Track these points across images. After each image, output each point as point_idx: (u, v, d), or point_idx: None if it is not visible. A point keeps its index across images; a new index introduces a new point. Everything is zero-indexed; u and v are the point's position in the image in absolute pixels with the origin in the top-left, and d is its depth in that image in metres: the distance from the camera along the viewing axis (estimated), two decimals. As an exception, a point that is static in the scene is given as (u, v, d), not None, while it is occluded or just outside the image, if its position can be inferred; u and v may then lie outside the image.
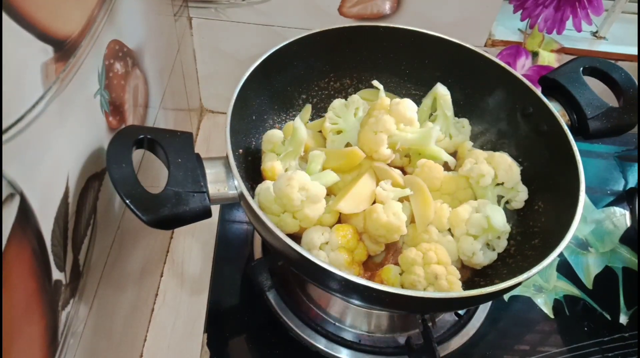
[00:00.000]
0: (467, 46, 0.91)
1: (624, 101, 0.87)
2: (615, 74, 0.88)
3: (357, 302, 0.69)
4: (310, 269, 0.64)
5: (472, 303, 0.85)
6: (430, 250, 0.72)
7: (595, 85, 0.87)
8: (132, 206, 0.59)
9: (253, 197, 0.71)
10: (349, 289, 0.64)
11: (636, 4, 1.21)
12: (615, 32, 1.19)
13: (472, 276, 0.82)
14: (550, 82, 0.89)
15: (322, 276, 0.64)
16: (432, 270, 0.70)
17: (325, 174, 0.79)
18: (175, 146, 0.67)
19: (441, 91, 0.90)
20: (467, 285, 0.79)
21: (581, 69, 0.89)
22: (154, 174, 0.84)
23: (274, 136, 0.85)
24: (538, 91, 0.85)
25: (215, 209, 1.06)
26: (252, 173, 0.85)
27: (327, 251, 0.75)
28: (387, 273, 0.74)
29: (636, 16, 1.23)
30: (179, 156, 0.66)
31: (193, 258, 1.04)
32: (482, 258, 0.76)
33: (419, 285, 0.70)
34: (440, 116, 0.91)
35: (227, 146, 0.70)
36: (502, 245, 0.80)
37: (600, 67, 0.90)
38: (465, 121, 0.95)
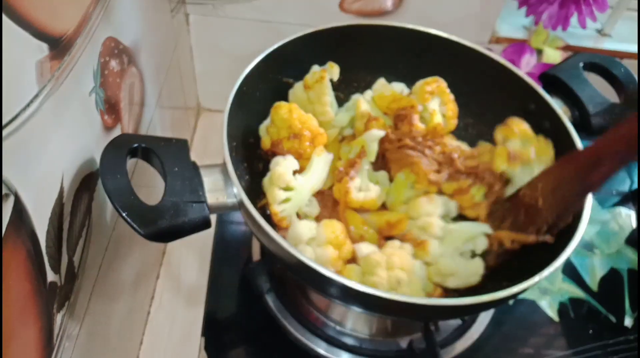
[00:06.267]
0: (465, 43, 0.90)
1: (625, 96, 0.86)
2: (616, 70, 0.88)
3: (358, 309, 0.68)
4: (312, 277, 0.63)
5: (477, 310, 0.84)
6: (395, 255, 0.71)
7: (594, 81, 0.87)
8: (128, 220, 0.58)
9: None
10: (349, 296, 0.63)
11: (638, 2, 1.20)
12: (620, 30, 1.19)
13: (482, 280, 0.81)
14: (551, 78, 0.88)
15: (324, 284, 0.63)
16: (395, 275, 0.69)
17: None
18: (170, 154, 0.66)
19: (375, 134, 0.83)
20: (473, 291, 0.78)
21: (581, 64, 0.88)
22: (150, 176, 0.84)
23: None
24: (540, 88, 0.84)
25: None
26: (250, 172, 0.84)
27: (314, 247, 0.73)
28: (350, 271, 0.72)
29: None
30: (175, 164, 0.65)
31: (190, 260, 1.03)
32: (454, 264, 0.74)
33: (381, 287, 0.68)
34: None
35: (224, 153, 0.69)
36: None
37: (600, 62, 0.89)
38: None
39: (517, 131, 0.78)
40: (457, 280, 0.72)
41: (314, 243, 0.72)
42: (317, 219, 0.79)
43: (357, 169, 0.79)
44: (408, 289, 0.68)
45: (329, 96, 0.86)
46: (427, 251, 0.73)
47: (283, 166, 0.75)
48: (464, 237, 0.74)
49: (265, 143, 0.84)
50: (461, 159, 0.80)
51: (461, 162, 0.80)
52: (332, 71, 0.84)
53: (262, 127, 0.85)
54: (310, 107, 0.86)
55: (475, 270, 0.73)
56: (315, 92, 0.85)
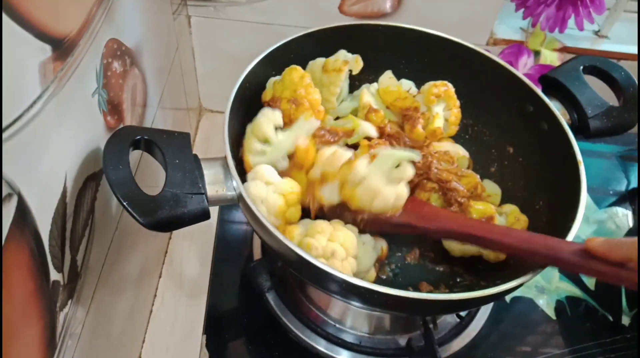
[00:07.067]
0: (466, 44, 0.91)
1: (624, 100, 0.86)
2: (615, 73, 0.88)
3: (357, 304, 0.68)
4: (311, 272, 0.63)
5: (474, 305, 0.85)
6: (341, 230, 0.71)
7: (594, 84, 0.87)
8: (129, 209, 0.59)
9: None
10: (349, 291, 0.63)
11: (637, 3, 1.20)
12: (618, 31, 1.19)
13: (476, 279, 0.82)
14: (551, 81, 0.88)
15: (322, 279, 0.63)
16: (333, 246, 0.69)
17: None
18: (172, 147, 0.67)
19: (370, 131, 0.85)
20: (469, 287, 0.79)
21: (581, 67, 0.88)
22: (152, 173, 0.84)
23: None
24: (538, 90, 0.85)
25: (214, 210, 1.05)
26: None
27: (269, 190, 0.73)
28: (292, 231, 0.72)
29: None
30: (177, 157, 0.66)
31: (192, 259, 1.03)
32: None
33: (314, 251, 0.68)
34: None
35: (225, 147, 0.70)
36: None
37: (600, 66, 0.89)
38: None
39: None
40: (382, 202, 0.71)
41: (271, 187, 0.73)
42: (281, 174, 0.77)
43: (336, 140, 0.80)
44: (340, 264, 0.68)
45: (340, 88, 0.87)
46: (353, 166, 0.71)
47: (266, 117, 0.76)
48: (392, 160, 0.71)
49: (267, 94, 0.84)
50: (436, 170, 0.81)
51: (434, 173, 0.81)
52: (356, 65, 0.85)
53: (271, 81, 0.85)
54: (319, 87, 0.85)
55: (401, 194, 0.72)
56: (329, 78, 0.86)
